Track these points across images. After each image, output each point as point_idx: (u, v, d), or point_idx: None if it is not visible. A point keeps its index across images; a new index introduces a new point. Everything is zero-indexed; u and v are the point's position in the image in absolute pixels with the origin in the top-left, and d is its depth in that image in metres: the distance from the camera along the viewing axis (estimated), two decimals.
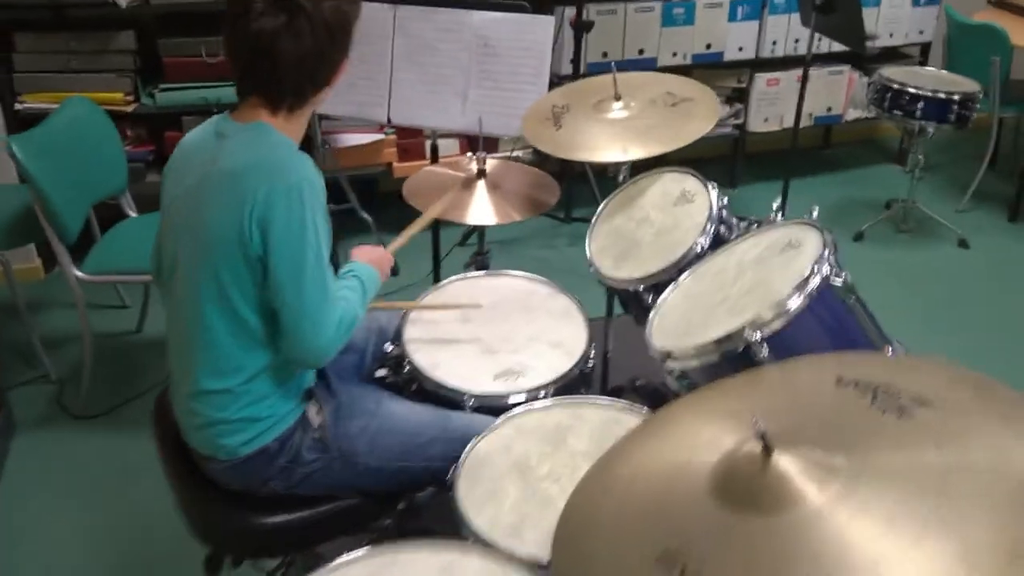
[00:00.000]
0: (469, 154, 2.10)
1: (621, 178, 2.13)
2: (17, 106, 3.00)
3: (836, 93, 4.01)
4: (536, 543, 1.28)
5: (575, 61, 3.33)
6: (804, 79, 3.40)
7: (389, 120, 2.45)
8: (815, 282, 1.36)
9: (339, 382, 1.64)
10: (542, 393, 1.65)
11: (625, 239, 1.87)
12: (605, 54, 3.58)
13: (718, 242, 1.73)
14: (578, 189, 3.70)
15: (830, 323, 1.40)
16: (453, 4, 2.34)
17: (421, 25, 2.37)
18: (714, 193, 1.80)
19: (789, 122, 3.95)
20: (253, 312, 1.41)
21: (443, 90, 2.38)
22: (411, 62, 2.39)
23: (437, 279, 2.69)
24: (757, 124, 3.97)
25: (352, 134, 3.36)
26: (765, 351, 1.34)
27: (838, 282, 1.39)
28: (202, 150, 1.44)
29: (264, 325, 1.42)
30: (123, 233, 2.66)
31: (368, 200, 3.50)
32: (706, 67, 3.80)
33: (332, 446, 1.52)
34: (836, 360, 1.19)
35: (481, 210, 2.06)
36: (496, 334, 1.82)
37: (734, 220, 1.79)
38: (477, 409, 1.63)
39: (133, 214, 2.78)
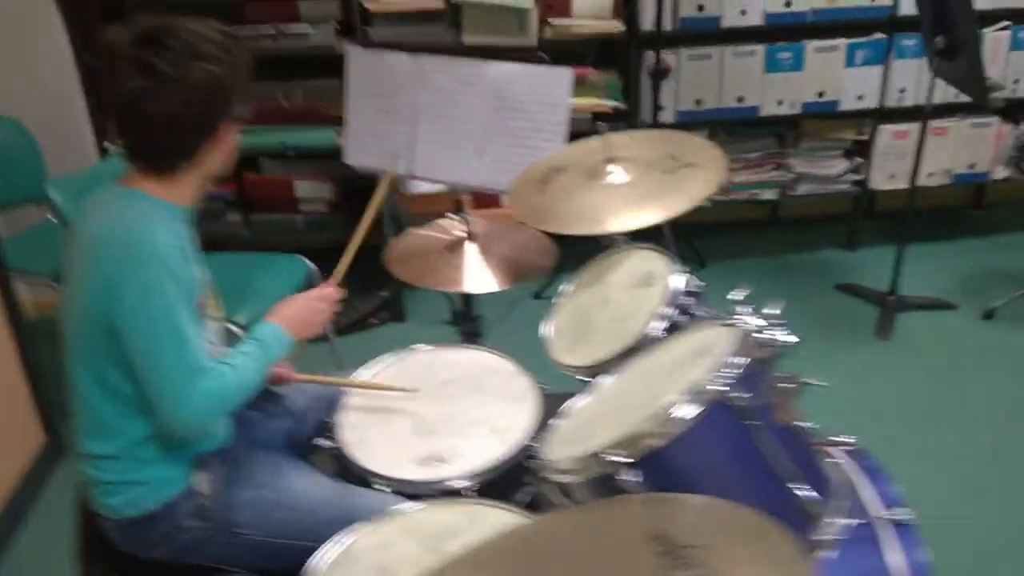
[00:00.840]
0: (450, 215, 2.01)
1: None
2: (114, 147, 3.25)
3: (981, 148, 3.53)
4: None
5: (655, 111, 3.15)
6: (923, 132, 3.02)
7: (413, 174, 2.41)
8: (700, 399, 1.15)
9: (248, 449, 1.60)
10: (463, 484, 1.53)
11: (584, 320, 1.70)
12: (699, 102, 3.36)
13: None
14: None
15: (720, 451, 1.18)
16: (471, 55, 2.26)
17: (442, 78, 2.32)
18: (677, 279, 1.59)
19: (920, 179, 3.53)
20: (126, 380, 1.40)
21: (464, 145, 2.31)
22: (434, 115, 2.34)
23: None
24: (881, 181, 3.57)
25: (426, 182, 3.35)
26: (632, 476, 1.14)
27: (741, 402, 1.17)
28: (85, 213, 1.46)
29: (139, 393, 1.41)
30: None
31: None
32: (818, 117, 3.47)
33: (214, 516, 1.48)
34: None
35: (464, 276, 1.97)
36: (439, 413, 1.71)
37: (701, 311, 1.58)
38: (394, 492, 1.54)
39: None
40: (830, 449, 1.53)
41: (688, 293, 1.59)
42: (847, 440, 1.58)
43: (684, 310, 1.56)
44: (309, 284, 2.71)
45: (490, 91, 2.25)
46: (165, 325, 1.35)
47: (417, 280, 1.97)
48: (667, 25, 3.20)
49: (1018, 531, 2.31)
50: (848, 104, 3.41)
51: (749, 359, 1.21)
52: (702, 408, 1.15)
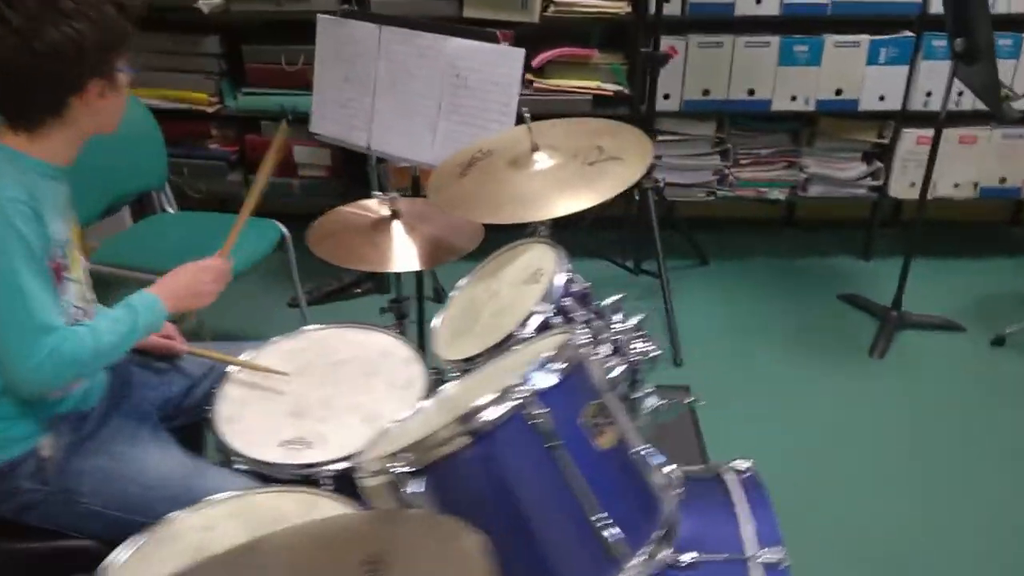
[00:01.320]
0: (378, 194, 1.98)
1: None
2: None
3: (1013, 161, 3.31)
4: None
5: (649, 99, 3.05)
6: (936, 136, 2.84)
7: (369, 147, 2.38)
8: (492, 414, 1.10)
9: (110, 414, 1.62)
10: (322, 471, 1.51)
11: (471, 314, 1.66)
12: (707, 92, 3.23)
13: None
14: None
15: (515, 471, 1.13)
16: (433, 29, 2.22)
17: (403, 48, 2.28)
18: (559, 278, 1.53)
19: (945, 189, 3.34)
20: None
21: (417, 121, 2.27)
22: (392, 89, 2.31)
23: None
24: (901, 189, 3.39)
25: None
26: (414, 487, 1.11)
27: (538, 420, 1.12)
28: None
29: None
30: (147, 229, 2.85)
31: None
32: (836, 116, 3.30)
33: (54, 481, 1.50)
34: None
35: (387, 256, 1.94)
36: (317, 396, 1.69)
37: (580, 312, 1.51)
38: (252, 473, 1.54)
39: (171, 210, 2.97)
40: (727, 475, 1.47)
41: (570, 294, 1.53)
42: (740, 467, 1.52)
43: (562, 311, 1.50)
44: (281, 248, 2.74)
45: (446, 66, 2.22)
46: (2, 282, 1.36)
47: (338, 259, 1.94)
48: (676, 10, 3.09)
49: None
50: (868, 104, 3.24)
51: (563, 371, 1.16)
52: (497, 420, 1.11)
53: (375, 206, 2.01)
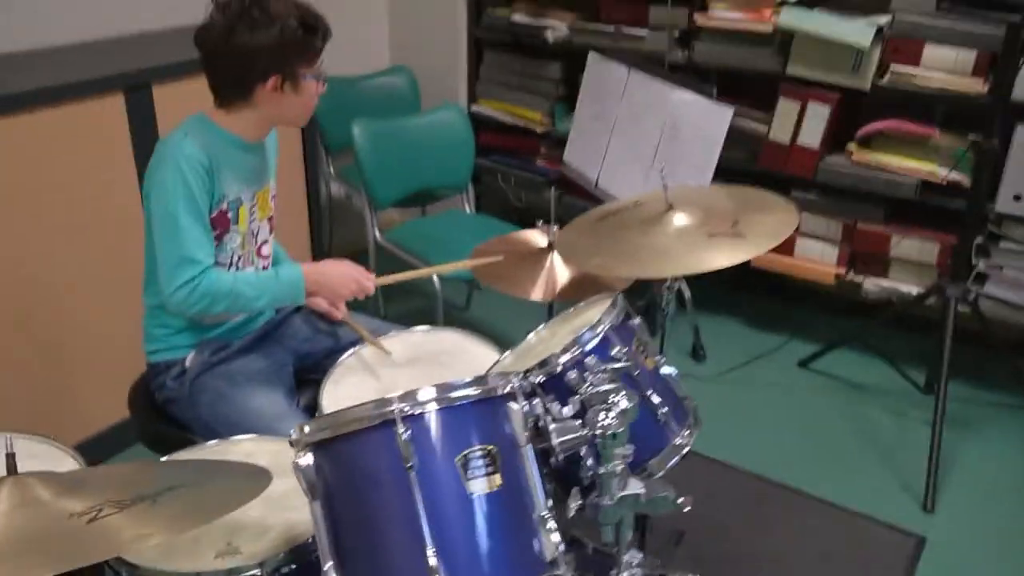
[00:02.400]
0: (540, 223, 2.10)
1: (664, 303, 1.89)
2: (473, 107, 3.84)
3: None
4: None
5: (990, 196, 2.64)
6: None
7: (597, 183, 2.49)
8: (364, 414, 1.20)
9: (252, 348, 1.99)
10: None
11: (525, 352, 1.71)
12: None
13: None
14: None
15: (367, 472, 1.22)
16: (666, 77, 2.25)
17: (641, 93, 2.34)
18: (591, 329, 1.52)
19: None
20: None
21: (635, 166, 2.31)
22: (625, 131, 2.38)
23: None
24: None
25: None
26: (303, 459, 1.26)
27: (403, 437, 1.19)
28: None
29: (148, 265, 1.90)
30: (437, 222, 3.28)
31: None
32: None
33: (186, 386, 1.92)
34: None
35: (536, 284, 2.07)
36: (405, 381, 1.89)
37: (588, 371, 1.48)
38: None
39: (468, 210, 3.37)
40: None
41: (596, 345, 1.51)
42: None
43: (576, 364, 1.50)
44: None
45: (668, 115, 2.23)
46: (164, 214, 1.79)
47: (493, 281, 2.11)
48: None
49: None
50: None
51: (447, 403, 1.21)
52: (370, 421, 1.21)
53: (535, 236, 2.13)
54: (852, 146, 3.04)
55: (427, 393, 1.24)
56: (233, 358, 1.98)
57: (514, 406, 1.30)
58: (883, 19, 2.85)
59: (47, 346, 2.48)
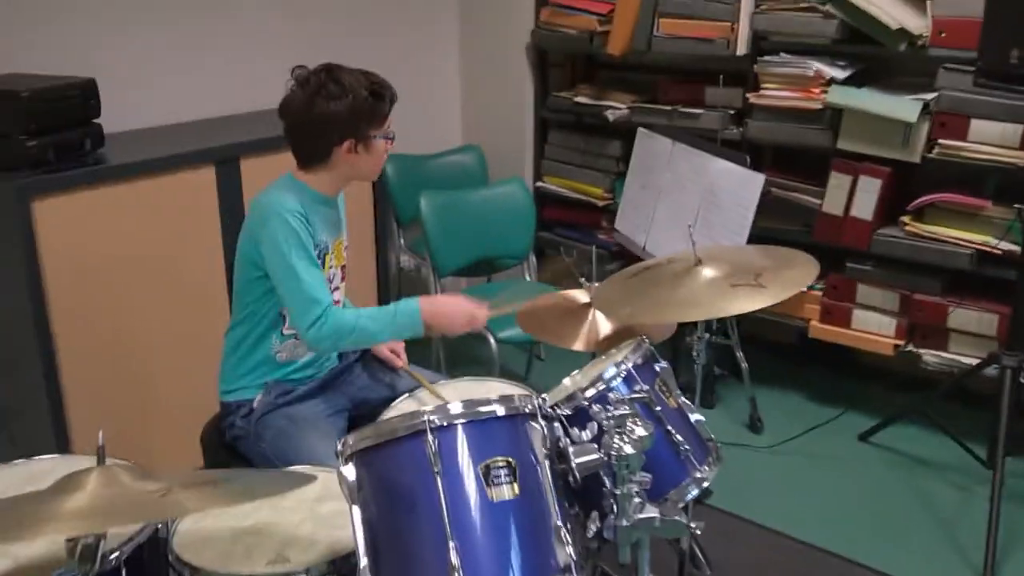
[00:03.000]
0: (583, 282, 2.28)
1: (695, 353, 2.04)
2: (538, 183, 4.09)
3: None
4: None
5: None
6: None
7: (644, 247, 2.66)
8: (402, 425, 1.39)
9: (317, 396, 2.21)
10: None
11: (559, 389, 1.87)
12: None
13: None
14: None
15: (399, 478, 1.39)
16: (708, 149, 2.44)
17: (684, 164, 2.52)
18: (609, 369, 1.68)
19: None
20: (238, 305, 2.13)
21: (677, 233, 2.49)
22: (669, 198, 2.56)
23: None
24: None
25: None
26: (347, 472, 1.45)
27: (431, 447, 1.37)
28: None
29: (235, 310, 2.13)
30: (496, 289, 3.49)
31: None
32: None
33: (252, 425, 2.13)
34: None
35: (582, 338, 2.24)
36: None
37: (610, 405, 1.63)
38: None
39: (528, 279, 3.57)
40: None
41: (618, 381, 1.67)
42: None
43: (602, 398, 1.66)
44: None
45: (708, 183, 2.41)
46: (284, 266, 2.02)
47: (540, 333, 2.29)
48: None
49: None
50: None
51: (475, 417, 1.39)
52: (405, 432, 1.39)
53: (578, 294, 2.31)
54: (906, 218, 3.14)
55: (456, 407, 1.41)
56: (296, 401, 2.20)
57: (535, 425, 1.47)
58: (929, 95, 2.99)
59: (135, 386, 2.75)
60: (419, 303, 2.13)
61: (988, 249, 2.99)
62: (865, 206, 3.17)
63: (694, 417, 1.83)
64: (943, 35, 2.95)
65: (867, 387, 3.53)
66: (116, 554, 1.52)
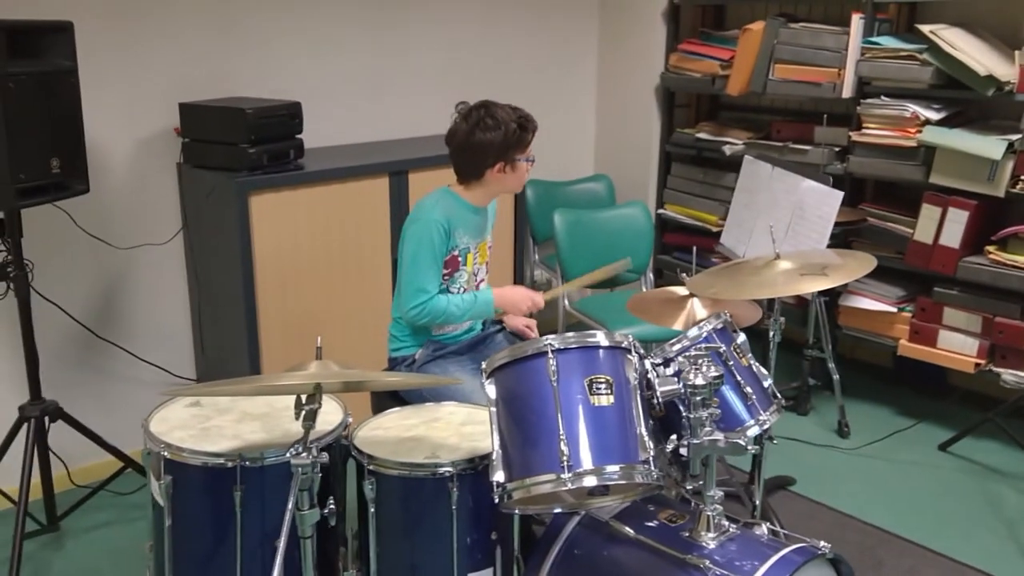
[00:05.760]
0: (683, 276, 2.71)
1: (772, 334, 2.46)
2: (659, 211, 4.54)
3: None
4: None
5: None
6: None
7: (744, 256, 3.07)
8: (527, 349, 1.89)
9: (466, 354, 2.74)
10: None
11: None
12: None
13: None
14: None
15: (527, 384, 1.89)
16: (797, 171, 2.84)
17: (780, 185, 2.93)
18: (707, 325, 2.13)
19: None
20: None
21: (768, 239, 2.89)
22: (767, 213, 2.97)
23: None
24: None
25: (866, 299, 3.75)
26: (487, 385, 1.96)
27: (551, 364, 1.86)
28: None
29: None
30: (613, 297, 3.94)
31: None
32: None
33: (415, 371, 2.68)
34: None
35: (681, 320, 2.68)
36: None
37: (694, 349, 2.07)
38: None
39: (643, 289, 4.02)
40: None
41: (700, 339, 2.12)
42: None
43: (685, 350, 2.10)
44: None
45: (797, 200, 2.81)
46: (410, 257, 2.57)
47: (646, 316, 2.73)
48: None
49: None
50: None
51: (587, 345, 1.87)
52: (529, 354, 1.89)
53: (679, 289, 2.75)
54: (990, 247, 3.42)
55: (571, 336, 1.89)
56: (449, 356, 2.73)
57: (629, 357, 1.93)
58: (1015, 136, 3.28)
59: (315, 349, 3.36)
60: (492, 292, 2.70)
61: None
62: (953, 235, 3.47)
63: (766, 383, 2.25)
64: None
65: (949, 403, 3.80)
66: (321, 440, 2.07)
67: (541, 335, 2.83)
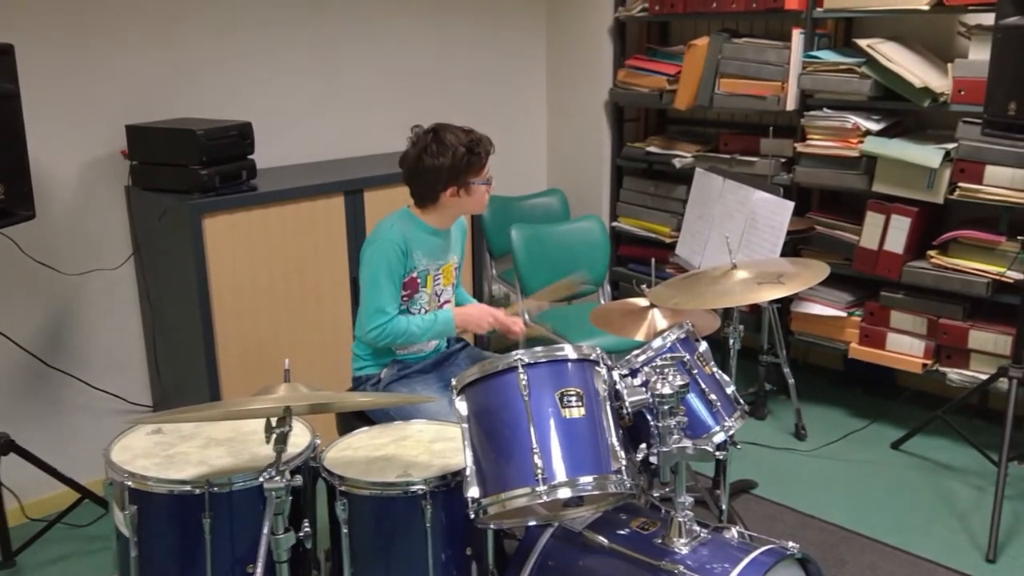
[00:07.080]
0: (645, 286, 2.76)
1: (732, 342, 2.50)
2: (613, 223, 4.59)
3: None
4: None
5: None
6: None
7: (699, 266, 3.13)
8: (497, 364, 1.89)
9: (431, 373, 2.73)
10: None
11: None
12: None
13: None
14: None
15: (499, 401, 1.89)
16: (749, 183, 2.91)
17: (732, 197, 2.99)
18: (671, 336, 2.16)
19: None
20: None
21: (723, 251, 2.95)
22: (719, 224, 3.03)
23: None
24: None
25: (817, 304, 3.84)
26: (460, 404, 1.96)
27: (522, 380, 1.87)
28: None
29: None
30: (573, 310, 3.98)
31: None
32: None
33: (380, 391, 2.66)
34: None
35: (642, 330, 2.71)
36: None
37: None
38: None
39: (601, 301, 4.06)
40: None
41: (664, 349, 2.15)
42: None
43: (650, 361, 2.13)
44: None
45: (749, 211, 2.87)
46: (369, 279, 2.56)
47: (607, 327, 2.76)
48: None
49: None
50: None
51: (555, 359, 1.88)
52: (501, 368, 1.89)
53: (640, 300, 2.79)
54: (932, 252, 3.53)
55: (540, 351, 1.91)
56: (414, 375, 2.72)
57: (598, 369, 1.95)
58: (950, 145, 3.40)
59: (279, 369, 3.31)
60: (452, 312, 2.69)
61: (1002, 278, 3.36)
62: (897, 241, 3.57)
63: (729, 390, 2.29)
64: (962, 93, 3.37)
65: (899, 403, 3.90)
66: (291, 463, 2.05)
67: (504, 352, 2.87)
